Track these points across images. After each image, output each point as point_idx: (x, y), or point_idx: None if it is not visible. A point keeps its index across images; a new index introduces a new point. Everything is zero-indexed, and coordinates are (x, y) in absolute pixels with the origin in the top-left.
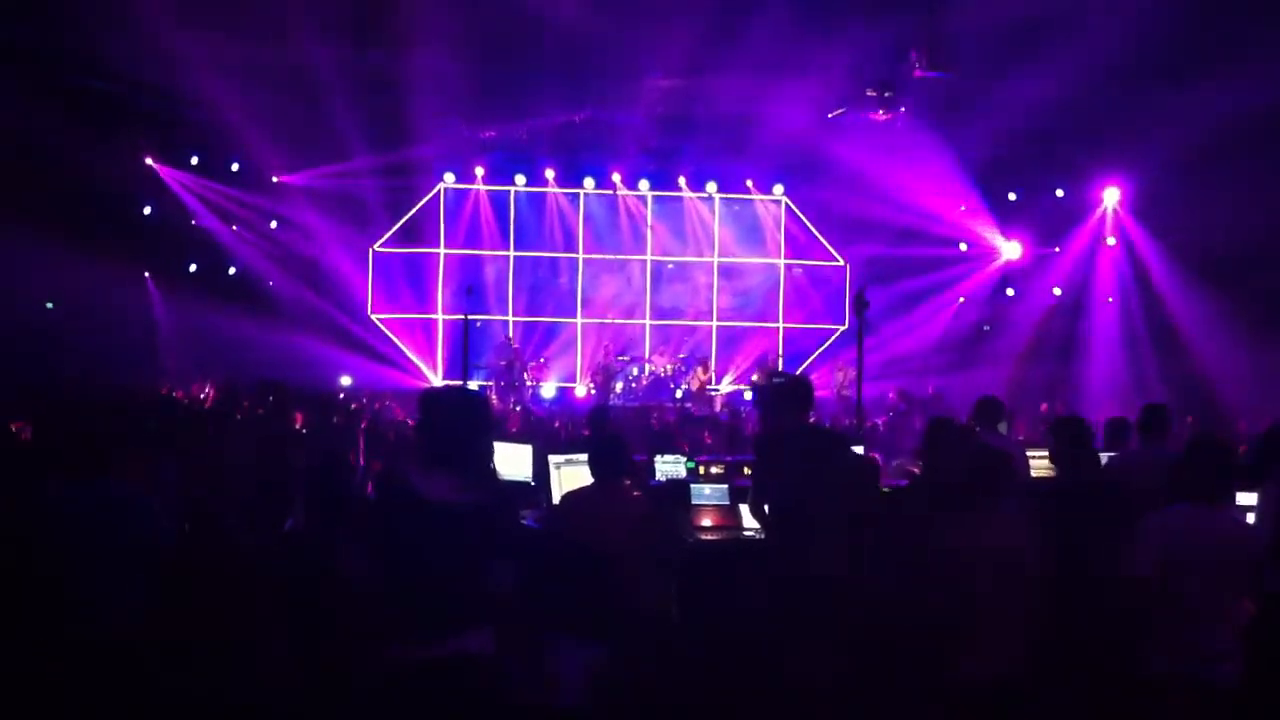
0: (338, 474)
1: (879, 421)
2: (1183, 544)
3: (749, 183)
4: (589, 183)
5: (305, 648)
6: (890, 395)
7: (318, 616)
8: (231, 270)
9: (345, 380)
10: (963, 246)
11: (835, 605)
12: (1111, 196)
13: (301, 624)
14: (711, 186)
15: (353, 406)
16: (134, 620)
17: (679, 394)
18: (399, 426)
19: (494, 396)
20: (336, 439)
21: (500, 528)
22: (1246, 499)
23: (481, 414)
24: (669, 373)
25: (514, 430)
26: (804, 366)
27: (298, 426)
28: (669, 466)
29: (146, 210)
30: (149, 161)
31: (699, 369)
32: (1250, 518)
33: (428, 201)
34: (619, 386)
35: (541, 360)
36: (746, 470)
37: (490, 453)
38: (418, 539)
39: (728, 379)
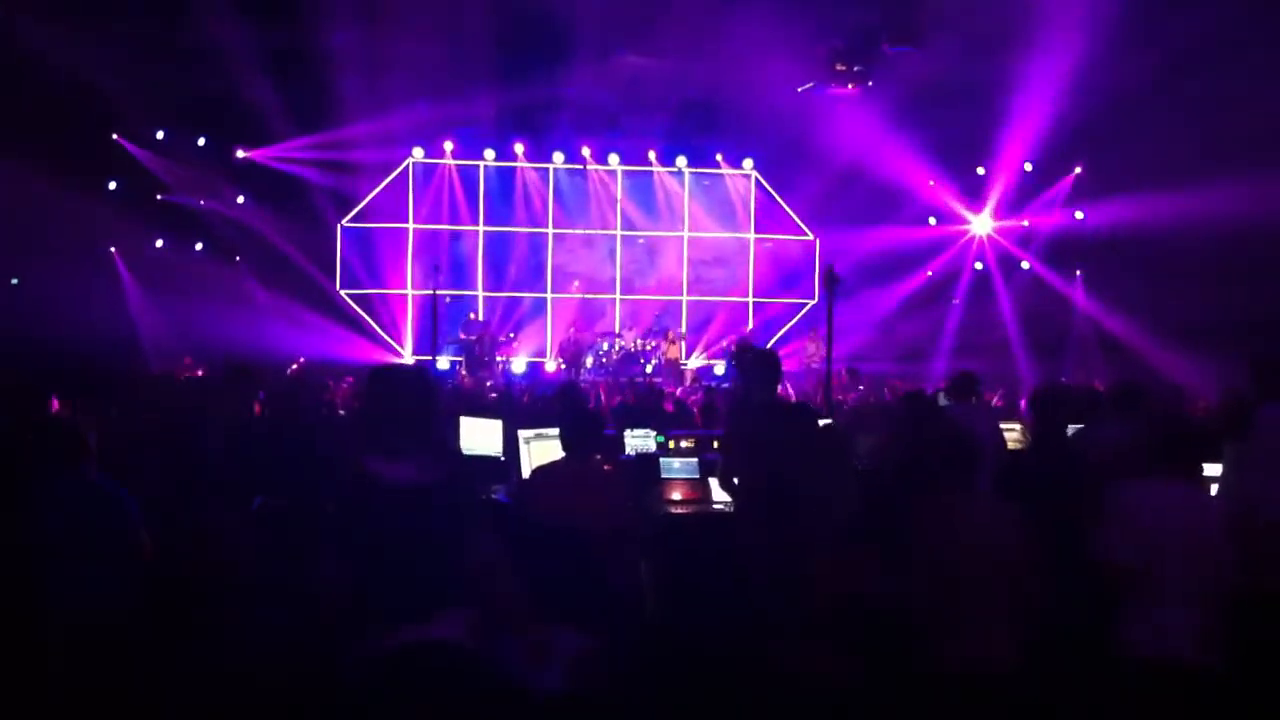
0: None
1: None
2: (1158, 522)
3: (719, 157)
4: (558, 157)
5: (281, 634)
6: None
7: (291, 603)
8: (199, 246)
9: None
10: (931, 221)
11: (815, 580)
12: (1075, 170)
13: (276, 610)
14: (681, 161)
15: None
16: (113, 607)
17: (649, 369)
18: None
19: (464, 373)
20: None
21: (469, 502)
22: (1210, 469)
23: (432, 390)
24: (639, 348)
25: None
26: (773, 340)
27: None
28: (639, 441)
29: (112, 185)
30: (115, 137)
31: (666, 343)
32: (1214, 489)
33: (396, 176)
34: (589, 362)
35: (511, 336)
36: (715, 444)
37: (445, 429)
38: (386, 526)
39: (698, 353)
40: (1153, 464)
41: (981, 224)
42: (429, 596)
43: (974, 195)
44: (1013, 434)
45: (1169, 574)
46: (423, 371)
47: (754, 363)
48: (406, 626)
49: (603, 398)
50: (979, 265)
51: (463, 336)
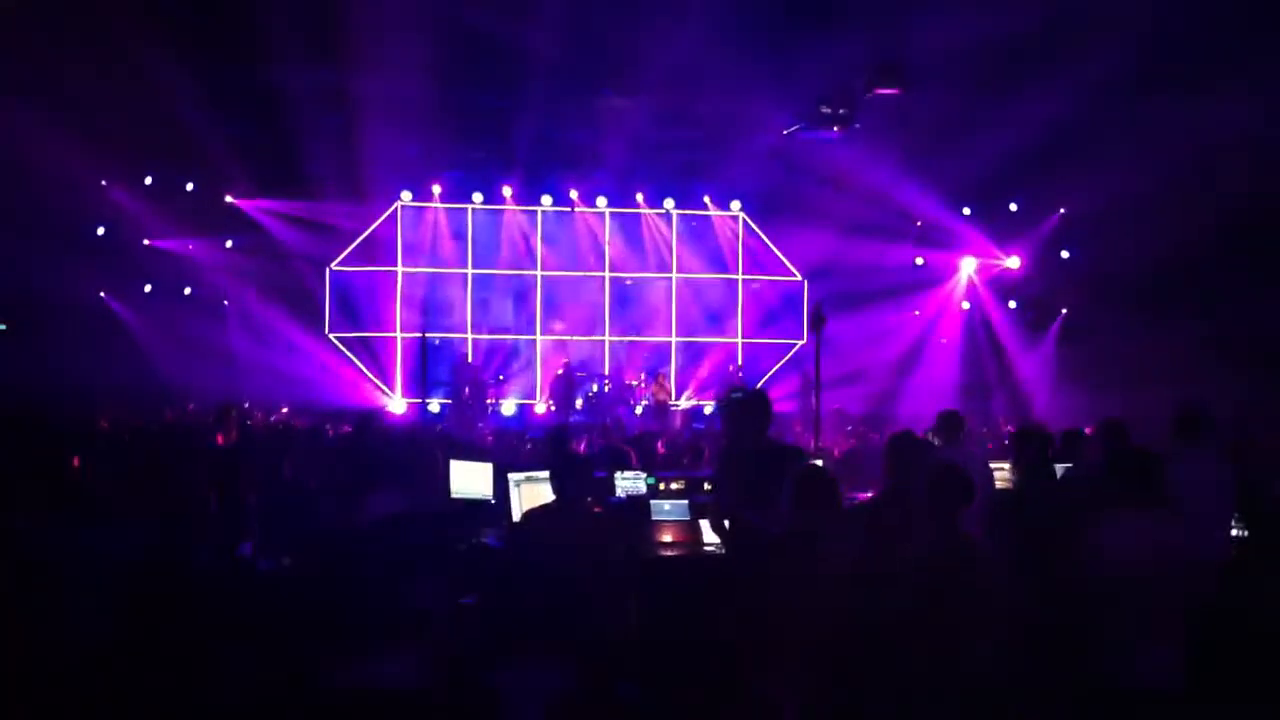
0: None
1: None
2: (1125, 551)
3: (707, 199)
4: (546, 200)
5: (256, 672)
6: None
7: (269, 643)
8: (187, 291)
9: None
10: (919, 261)
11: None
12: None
13: (253, 650)
14: (669, 203)
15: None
16: (98, 651)
17: (638, 410)
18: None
19: (455, 417)
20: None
21: (415, 548)
22: None
23: (416, 438)
24: (633, 388)
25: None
26: (763, 381)
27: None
28: (629, 483)
29: (100, 231)
30: (103, 183)
31: (656, 386)
32: None
33: (385, 220)
34: (579, 403)
35: (500, 379)
36: (706, 486)
37: (416, 476)
38: (353, 562)
39: (687, 394)
40: (1115, 496)
41: (966, 264)
42: (372, 634)
43: (961, 236)
44: (1001, 473)
45: (1139, 604)
46: (399, 424)
47: (742, 406)
48: (357, 666)
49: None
50: (965, 305)
51: (455, 381)
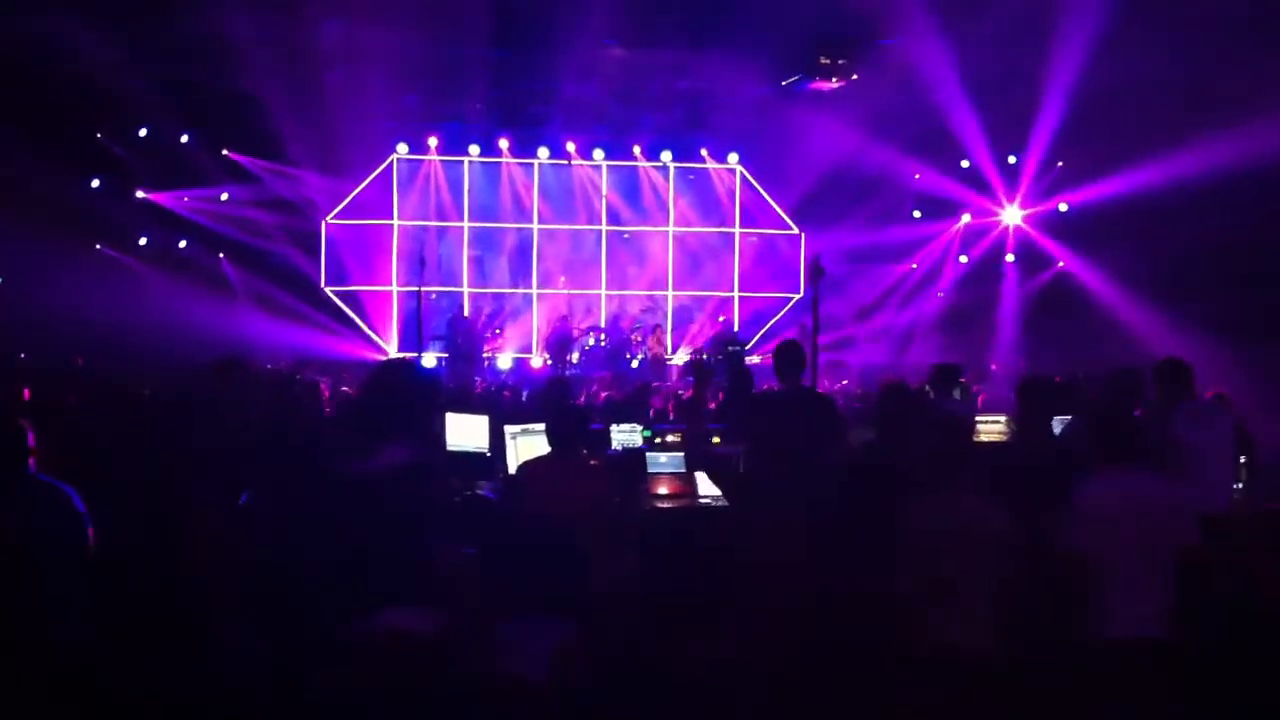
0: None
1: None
2: (1109, 510)
3: (704, 152)
4: (543, 153)
5: (260, 628)
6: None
7: (271, 596)
8: (182, 244)
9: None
10: (916, 214)
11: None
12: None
13: (256, 604)
14: (666, 155)
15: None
16: (75, 618)
17: (634, 364)
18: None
19: (450, 369)
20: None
21: (425, 499)
22: None
23: (417, 385)
24: (630, 342)
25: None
26: (759, 335)
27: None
28: (625, 435)
29: (95, 183)
30: (98, 135)
31: (653, 339)
32: None
33: (381, 173)
34: (575, 357)
35: (497, 331)
36: (716, 440)
37: (430, 426)
38: (342, 518)
39: (684, 348)
40: (1099, 454)
41: (966, 218)
42: (386, 587)
43: (959, 189)
44: (997, 426)
45: (1125, 559)
46: (412, 367)
47: (781, 352)
48: (368, 618)
49: (601, 394)
50: (963, 259)
51: (451, 334)
